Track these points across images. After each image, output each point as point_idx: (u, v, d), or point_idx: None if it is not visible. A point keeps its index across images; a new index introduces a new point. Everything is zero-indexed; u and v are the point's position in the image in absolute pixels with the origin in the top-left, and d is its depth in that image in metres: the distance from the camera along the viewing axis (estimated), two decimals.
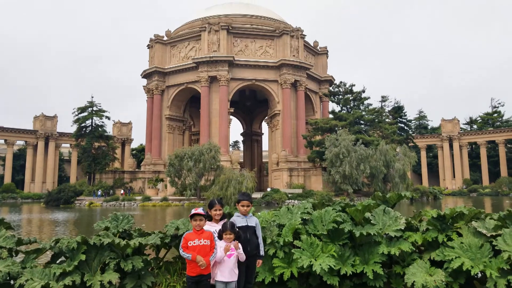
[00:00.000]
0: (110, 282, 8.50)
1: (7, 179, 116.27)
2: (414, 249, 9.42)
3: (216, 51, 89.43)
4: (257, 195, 73.05)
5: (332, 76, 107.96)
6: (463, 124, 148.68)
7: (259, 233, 7.31)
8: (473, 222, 9.21)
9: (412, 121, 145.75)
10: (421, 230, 9.84)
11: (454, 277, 8.50)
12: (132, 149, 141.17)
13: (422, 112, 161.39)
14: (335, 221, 9.49)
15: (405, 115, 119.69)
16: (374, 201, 10.28)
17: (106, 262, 8.96)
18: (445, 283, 8.39)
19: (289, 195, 72.91)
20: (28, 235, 28.02)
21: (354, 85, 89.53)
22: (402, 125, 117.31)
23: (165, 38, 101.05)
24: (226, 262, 6.39)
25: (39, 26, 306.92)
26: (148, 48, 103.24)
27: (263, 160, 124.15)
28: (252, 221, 7.23)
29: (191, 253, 6.10)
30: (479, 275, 8.77)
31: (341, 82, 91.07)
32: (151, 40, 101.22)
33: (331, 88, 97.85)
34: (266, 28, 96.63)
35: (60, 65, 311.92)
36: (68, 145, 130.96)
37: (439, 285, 8.19)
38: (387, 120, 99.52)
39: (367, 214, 9.85)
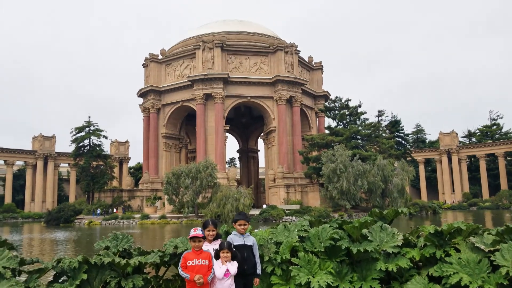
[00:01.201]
0: None
1: (8, 199, 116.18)
2: (412, 265, 9.48)
3: (211, 68, 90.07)
4: (254, 212, 72.94)
5: (327, 91, 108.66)
6: (462, 137, 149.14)
7: (256, 252, 7.42)
8: (471, 238, 9.31)
9: (410, 135, 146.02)
10: (419, 246, 9.91)
11: None
12: (130, 168, 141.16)
13: (419, 126, 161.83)
14: (332, 238, 9.58)
15: (402, 129, 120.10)
16: (371, 218, 10.39)
17: (107, 281, 9.07)
18: None
19: (287, 212, 72.78)
20: (30, 254, 27.94)
21: (350, 100, 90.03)
22: (400, 139, 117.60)
23: (160, 57, 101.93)
24: (223, 282, 6.51)
25: (33, 44, 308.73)
26: (143, 67, 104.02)
27: (260, 176, 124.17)
28: (250, 240, 7.36)
29: (189, 273, 6.30)
30: None
31: (336, 97, 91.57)
32: (146, 59, 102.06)
33: (326, 103, 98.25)
34: (260, 45, 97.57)
35: (55, 84, 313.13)
36: (66, 164, 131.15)
37: None
38: (384, 134, 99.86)
39: (364, 231, 9.95)
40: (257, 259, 7.41)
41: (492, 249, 8.71)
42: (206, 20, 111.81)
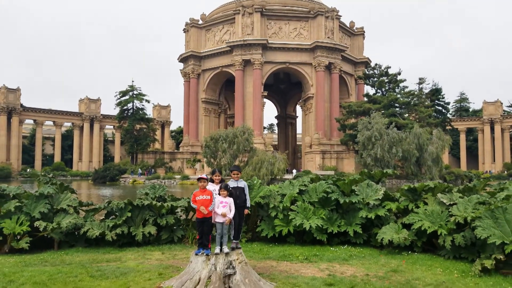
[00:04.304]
0: (149, 233, 11.39)
1: (57, 158, 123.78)
2: (389, 214, 11.61)
3: (250, 34, 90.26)
4: (288, 176, 75.33)
5: (368, 58, 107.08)
6: (507, 106, 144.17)
7: (247, 191, 9.75)
8: (438, 194, 11.28)
9: (452, 104, 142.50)
10: (400, 201, 12.00)
11: (419, 236, 10.67)
12: (171, 131, 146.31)
13: (463, 94, 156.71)
14: (325, 191, 11.80)
15: (443, 98, 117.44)
16: (360, 176, 12.50)
17: (146, 219, 11.83)
18: (410, 241, 10.59)
19: (321, 177, 74.56)
20: None
21: (389, 67, 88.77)
22: (440, 107, 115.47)
23: (200, 22, 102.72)
24: (221, 209, 8.95)
25: (80, 10, 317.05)
26: (184, 32, 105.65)
27: (298, 142, 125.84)
28: (242, 183, 9.70)
29: (196, 204, 8.78)
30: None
31: (376, 64, 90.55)
32: (186, 24, 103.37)
33: (366, 70, 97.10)
34: (300, 9, 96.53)
35: (98, 48, 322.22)
36: (111, 126, 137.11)
37: (404, 241, 10.39)
38: (426, 103, 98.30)
39: (355, 187, 12.11)
40: (247, 196, 9.74)
41: (452, 203, 10.68)
42: None
